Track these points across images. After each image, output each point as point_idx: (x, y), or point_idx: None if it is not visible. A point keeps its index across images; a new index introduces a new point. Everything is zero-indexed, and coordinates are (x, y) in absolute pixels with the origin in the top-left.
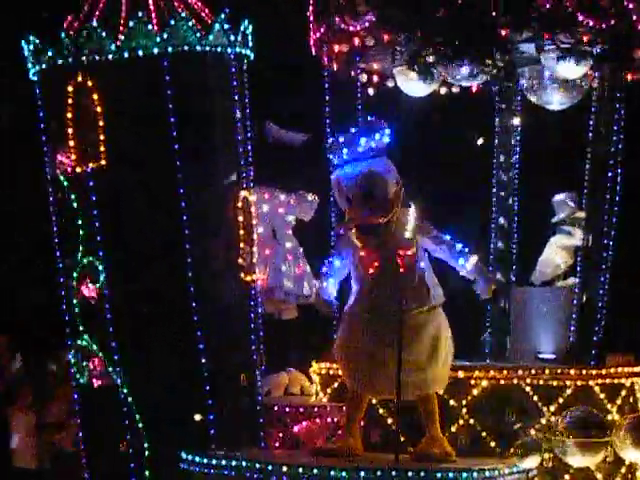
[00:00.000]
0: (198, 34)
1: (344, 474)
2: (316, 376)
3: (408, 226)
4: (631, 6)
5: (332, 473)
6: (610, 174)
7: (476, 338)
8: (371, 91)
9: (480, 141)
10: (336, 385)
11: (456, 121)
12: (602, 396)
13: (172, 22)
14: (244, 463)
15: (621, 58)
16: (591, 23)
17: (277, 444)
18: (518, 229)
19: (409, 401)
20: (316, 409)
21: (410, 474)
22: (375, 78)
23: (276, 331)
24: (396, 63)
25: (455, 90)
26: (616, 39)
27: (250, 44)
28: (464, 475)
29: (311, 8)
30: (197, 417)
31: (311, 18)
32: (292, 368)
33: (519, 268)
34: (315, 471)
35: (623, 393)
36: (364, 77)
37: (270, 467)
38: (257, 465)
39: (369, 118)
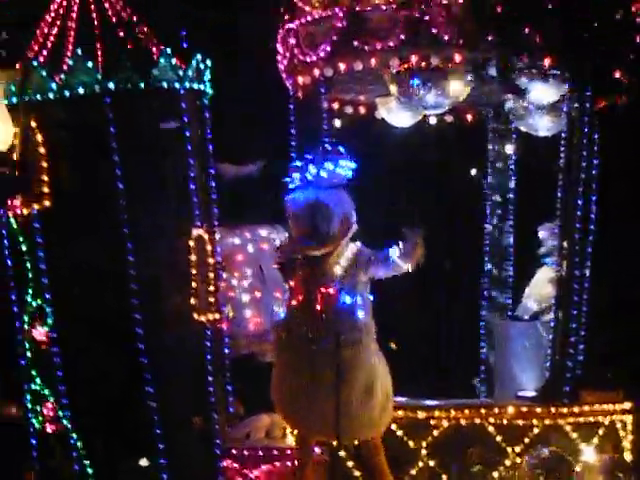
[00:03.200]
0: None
1: None
2: None
3: (342, 261)
4: None
5: None
6: (580, 202)
7: (467, 378)
8: (338, 123)
9: (474, 172)
10: None
11: (449, 150)
12: (574, 435)
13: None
14: None
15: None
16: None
17: None
18: (513, 261)
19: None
20: (276, 452)
21: None
22: (362, 109)
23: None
24: (370, 93)
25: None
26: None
27: (206, 79)
28: None
29: (279, 38)
30: (143, 462)
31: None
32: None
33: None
34: None
35: (601, 432)
36: (349, 109)
37: None
38: None
39: (332, 148)
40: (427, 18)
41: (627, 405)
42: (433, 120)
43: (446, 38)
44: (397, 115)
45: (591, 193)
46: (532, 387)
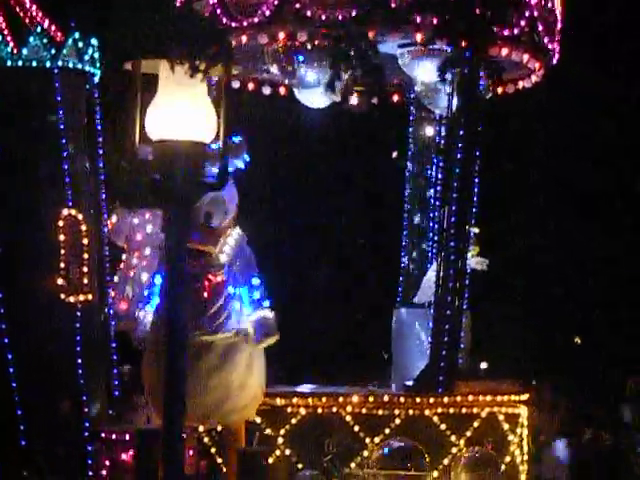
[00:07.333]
0: (9, 48)
1: None
2: None
3: (226, 249)
4: None
5: None
6: (458, 185)
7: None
8: None
9: (395, 154)
10: None
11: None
12: (443, 427)
13: None
14: None
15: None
16: (418, 20)
17: (105, 472)
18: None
19: None
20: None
21: None
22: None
23: None
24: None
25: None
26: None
27: (86, 57)
28: None
29: None
30: None
31: None
32: None
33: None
34: None
35: (475, 424)
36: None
37: None
38: None
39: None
40: None
41: (516, 397)
42: (354, 101)
43: (309, 14)
44: (311, 94)
45: (472, 176)
46: None
